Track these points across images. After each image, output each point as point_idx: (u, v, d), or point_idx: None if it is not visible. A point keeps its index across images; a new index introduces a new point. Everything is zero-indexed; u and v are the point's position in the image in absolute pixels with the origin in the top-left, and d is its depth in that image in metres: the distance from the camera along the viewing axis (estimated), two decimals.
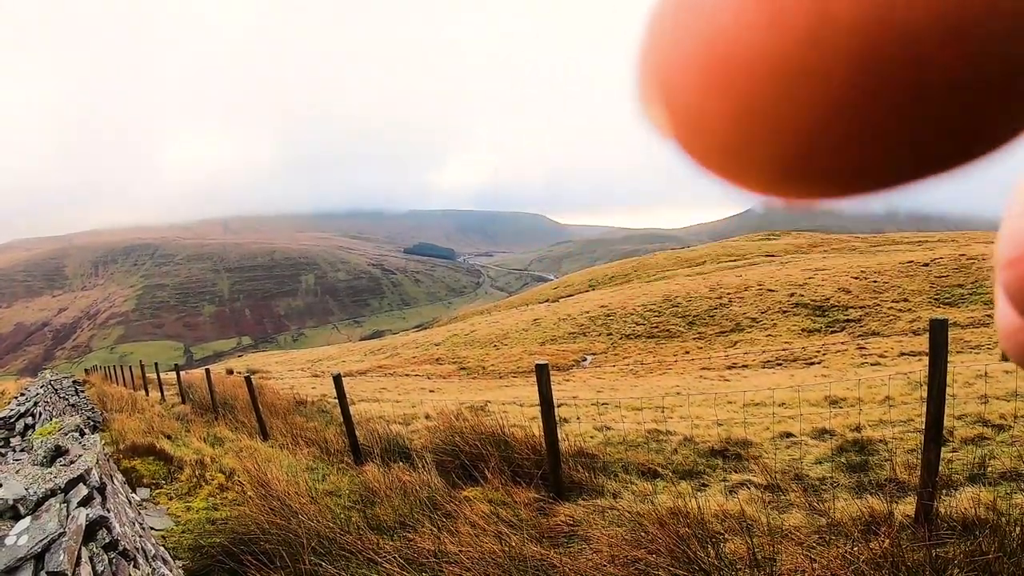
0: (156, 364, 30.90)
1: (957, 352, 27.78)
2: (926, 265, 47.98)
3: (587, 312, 53.45)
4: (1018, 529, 4.75)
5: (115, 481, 6.99)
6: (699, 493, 7.27)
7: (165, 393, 26.49)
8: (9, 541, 4.40)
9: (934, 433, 5.59)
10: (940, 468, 5.74)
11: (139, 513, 7.74)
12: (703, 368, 33.55)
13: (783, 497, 6.90)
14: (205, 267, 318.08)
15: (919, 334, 34.18)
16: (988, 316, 35.72)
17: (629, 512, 6.26)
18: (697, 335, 43.89)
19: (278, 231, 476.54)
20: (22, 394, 21.92)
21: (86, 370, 52.43)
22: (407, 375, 41.12)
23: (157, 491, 9.72)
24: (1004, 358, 22.71)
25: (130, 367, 37.40)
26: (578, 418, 14.04)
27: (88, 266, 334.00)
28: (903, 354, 29.88)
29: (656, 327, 46.70)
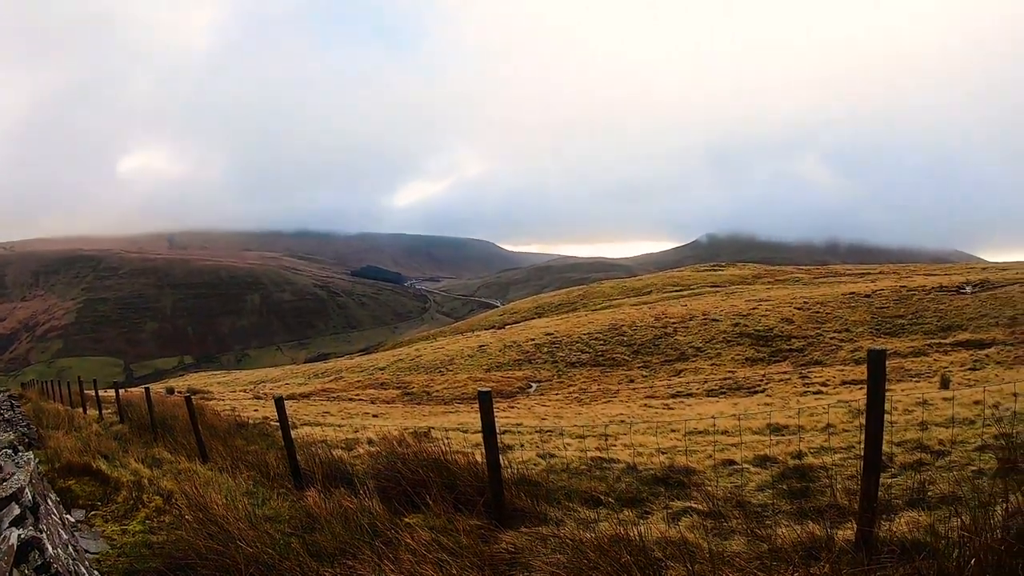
0: (95, 381, 30.02)
1: (898, 380, 28.33)
2: (868, 296, 48.98)
3: (533, 339, 53.48)
4: (956, 552, 4.79)
5: (49, 501, 6.76)
6: (641, 520, 7.23)
7: (103, 411, 25.77)
8: None
9: (873, 459, 5.63)
10: (880, 493, 5.78)
11: (73, 535, 7.48)
12: (648, 396, 33.73)
13: (725, 524, 6.89)
14: (149, 282, 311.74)
15: (860, 363, 34.74)
16: (927, 345, 36.50)
17: (571, 539, 6.20)
18: (642, 364, 44.12)
19: (225, 248, 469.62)
20: None
21: (23, 384, 51.12)
22: (351, 399, 40.71)
23: (93, 513, 9.45)
24: (943, 386, 23.18)
25: (68, 383, 36.43)
26: (522, 445, 13.98)
27: (29, 276, 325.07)
28: (845, 383, 30.38)
29: (602, 355, 46.86)
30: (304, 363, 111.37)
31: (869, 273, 76.18)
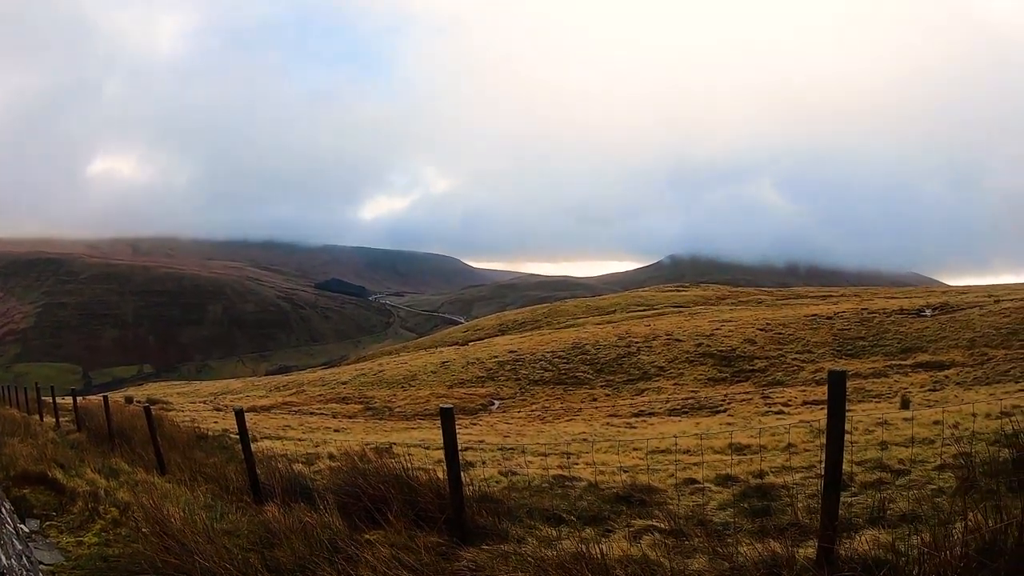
0: (52, 388, 29.54)
1: (859, 401, 28.64)
2: (830, 318, 49.59)
3: (496, 356, 53.39)
4: (916, 568, 4.81)
5: (3, 510, 6.62)
6: (603, 539, 7.19)
7: (61, 419, 25.32)
8: None
9: (834, 478, 5.65)
10: (840, 512, 5.80)
11: (27, 546, 7.32)
12: (610, 415, 33.78)
13: (687, 542, 6.87)
14: (111, 288, 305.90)
15: (822, 384, 35.05)
16: (888, 367, 36.97)
17: (533, 557, 6.16)
18: (605, 382, 44.22)
19: (189, 256, 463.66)
20: None
21: None
22: (313, 413, 40.32)
23: (48, 523, 9.27)
24: (904, 406, 23.44)
25: (25, 388, 35.69)
26: (484, 462, 13.92)
27: None
28: (806, 403, 30.67)
29: (565, 374, 46.88)
30: (266, 375, 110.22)
31: (831, 295, 77.19)
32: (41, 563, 7.26)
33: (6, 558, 5.13)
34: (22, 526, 8.32)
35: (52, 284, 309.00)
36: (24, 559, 6.30)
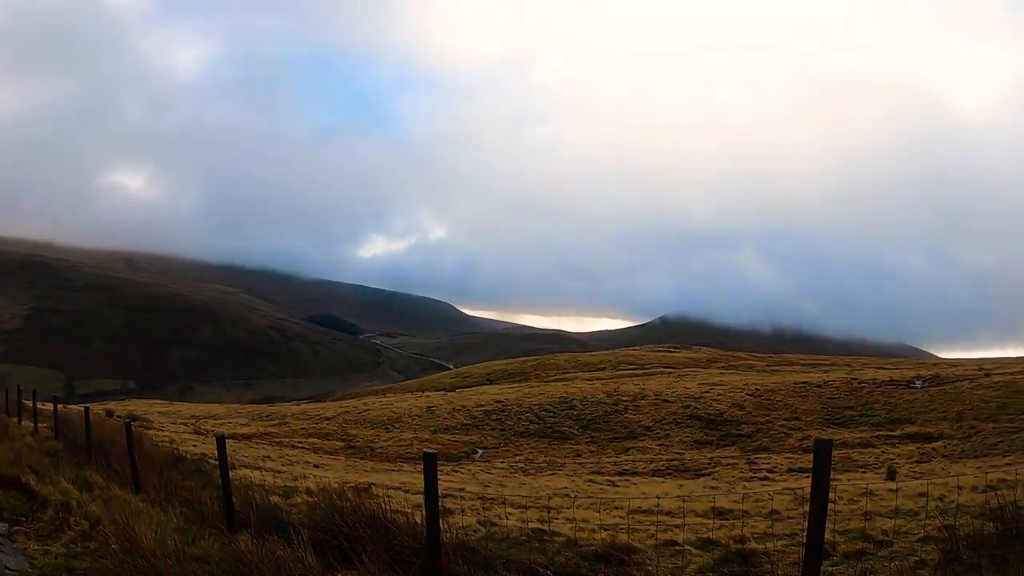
0: (34, 392, 29.32)
1: (845, 470, 28.50)
2: (819, 387, 49.48)
3: (483, 405, 53.13)
4: None
5: None
6: None
7: (39, 424, 25.15)
8: None
9: (816, 547, 5.60)
10: None
11: None
12: (593, 472, 33.54)
13: None
14: (102, 299, 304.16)
15: (808, 452, 34.88)
16: (876, 437, 36.87)
17: None
18: (590, 439, 43.98)
19: (184, 276, 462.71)
20: None
21: None
22: (293, 446, 40.03)
23: (16, 528, 9.23)
24: (890, 477, 23.34)
25: (7, 389, 35.36)
26: (463, 510, 13.79)
27: None
28: (792, 470, 30.51)
29: (550, 427, 46.65)
30: (250, 404, 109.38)
31: (821, 364, 77.06)
32: (6, 567, 7.16)
33: None
34: None
35: (45, 288, 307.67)
36: None
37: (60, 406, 24.65)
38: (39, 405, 28.15)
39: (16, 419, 25.97)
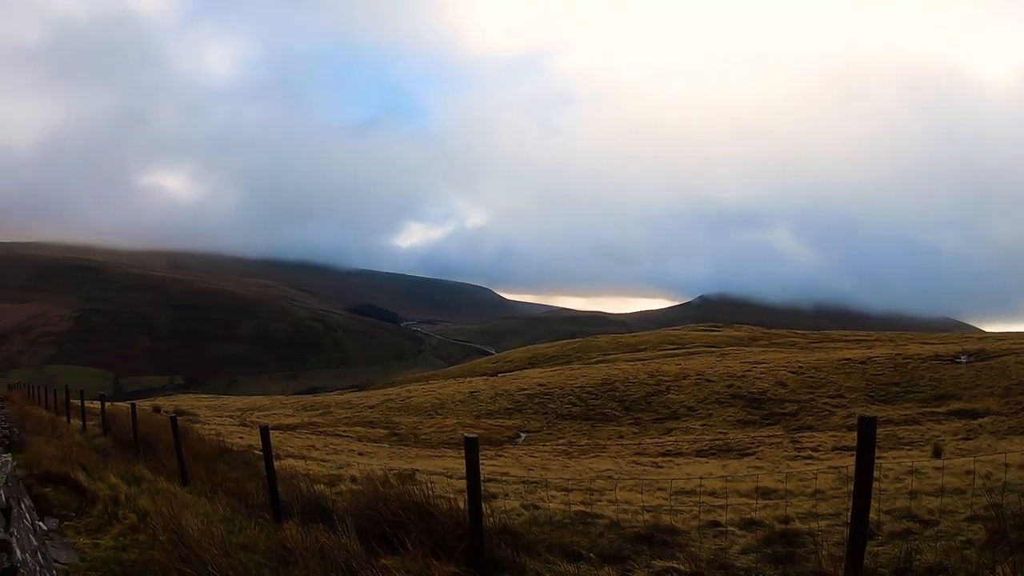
0: (82, 391, 29.85)
1: (890, 448, 28.13)
2: (863, 363, 48.78)
3: (525, 389, 53.18)
4: None
5: (22, 506, 6.69)
6: None
7: (87, 422, 25.60)
8: None
9: (860, 526, 5.55)
10: (866, 561, 5.68)
11: (44, 543, 7.40)
12: (636, 454, 33.47)
13: None
14: (146, 299, 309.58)
15: (853, 430, 34.46)
16: (921, 414, 36.32)
17: None
18: (633, 420, 43.85)
19: (225, 273, 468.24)
20: None
21: (9, 385, 50.66)
22: (338, 435, 40.36)
23: (66, 523, 9.39)
24: (935, 455, 23.01)
25: (55, 390, 36.10)
26: (506, 494, 13.84)
27: (29, 278, 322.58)
28: (836, 449, 30.16)
29: (592, 409, 46.59)
30: (294, 395, 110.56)
31: (865, 340, 76.01)
32: (57, 561, 7.33)
33: (21, 552, 5.21)
34: (40, 524, 8.40)
35: (89, 290, 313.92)
36: (39, 555, 6.37)
37: (107, 404, 25.06)
38: (87, 403, 28.63)
39: (65, 418, 26.47)
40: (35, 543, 6.48)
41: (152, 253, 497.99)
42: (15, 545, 5.02)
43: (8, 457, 6.63)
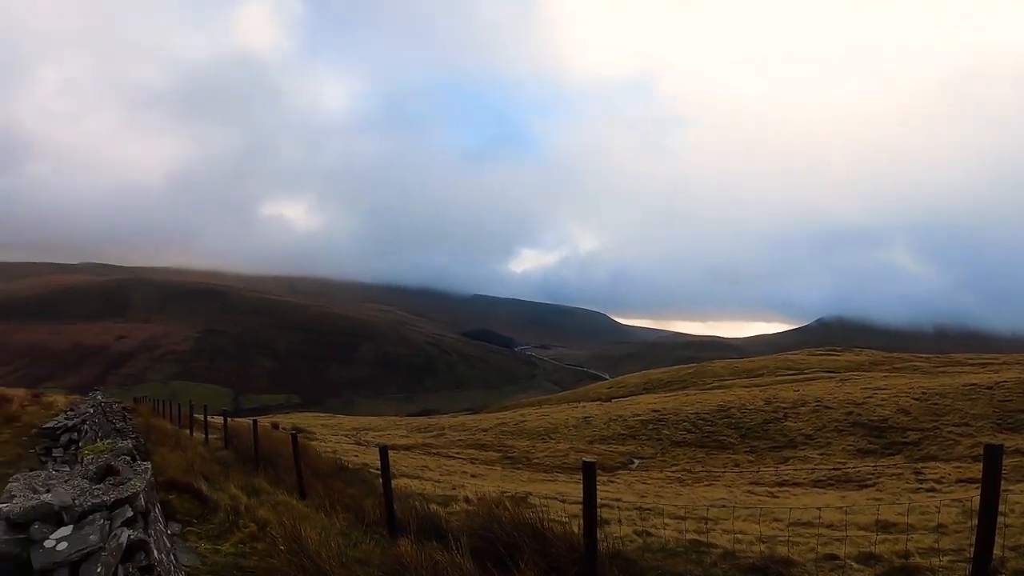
0: (205, 406, 31.23)
1: (1017, 480, 26.75)
2: (990, 388, 46.48)
3: (639, 415, 52.82)
4: None
5: (156, 510, 7.17)
6: None
7: (209, 436, 26.71)
8: (48, 544, 4.64)
9: (982, 563, 5.46)
10: None
11: (174, 544, 7.91)
12: (752, 483, 32.85)
13: None
14: (267, 322, 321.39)
15: (979, 460, 33.03)
16: None
17: None
18: (749, 448, 43.05)
19: (343, 298, 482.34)
20: (71, 409, 22.33)
21: (135, 398, 53.19)
22: (450, 456, 40.92)
23: (188, 529, 9.89)
24: None
25: (179, 405, 37.73)
26: (619, 520, 13.86)
27: (153, 301, 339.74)
28: (960, 481, 28.87)
29: (708, 436, 45.95)
30: (407, 416, 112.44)
31: (992, 363, 72.28)
32: (177, 562, 7.80)
33: (158, 552, 5.70)
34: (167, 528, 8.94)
35: (212, 313, 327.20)
36: (172, 556, 6.86)
37: (229, 420, 26.10)
38: (209, 419, 29.92)
39: (188, 431, 27.67)
40: (168, 544, 7.00)
41: (274, 279, 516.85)
42: (152, 545, 5.50)
43: (147, 464, 7.15)
